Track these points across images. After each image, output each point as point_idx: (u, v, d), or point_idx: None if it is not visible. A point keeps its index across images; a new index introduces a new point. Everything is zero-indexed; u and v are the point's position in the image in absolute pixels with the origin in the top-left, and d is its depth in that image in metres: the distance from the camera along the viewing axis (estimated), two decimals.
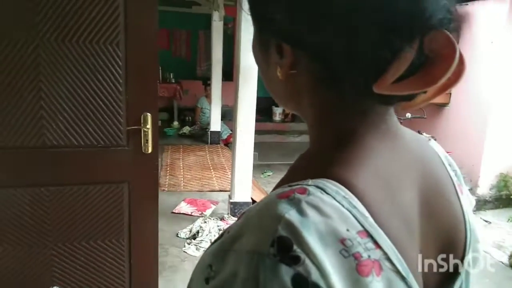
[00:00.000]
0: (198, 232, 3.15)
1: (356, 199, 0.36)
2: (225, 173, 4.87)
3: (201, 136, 6.84)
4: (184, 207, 3.75)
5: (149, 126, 1.93)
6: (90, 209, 1.95)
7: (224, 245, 0.37)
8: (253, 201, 3.55)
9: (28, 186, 1.86)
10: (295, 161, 0.46)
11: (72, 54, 1.78)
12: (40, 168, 1.86)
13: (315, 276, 0.31)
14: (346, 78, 0.39)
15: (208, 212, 3.66)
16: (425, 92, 0.38)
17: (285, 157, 7.01)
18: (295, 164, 0.45)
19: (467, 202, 0.49)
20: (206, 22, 8.49)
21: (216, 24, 5.93)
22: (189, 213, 3.64)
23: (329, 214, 0.34)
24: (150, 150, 1.96)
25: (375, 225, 0.35)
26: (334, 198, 0.35)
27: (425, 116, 5.47)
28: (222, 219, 3.37)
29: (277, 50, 0.43)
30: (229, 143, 6.74)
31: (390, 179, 0.40)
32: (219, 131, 6.44)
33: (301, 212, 0.33)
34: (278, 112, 8.85)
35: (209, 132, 6.43)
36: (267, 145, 7.37)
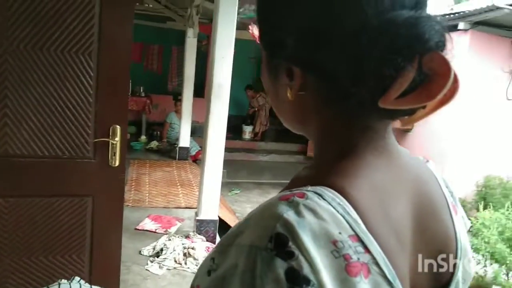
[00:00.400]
0: (162, 249, 3.07)
1: (350, 207, 0.39)
2: (193, 189, 4.81)
3: (169, 152, 6.74)
4: (148, 224, 3.66)
5: (117, 138, 1.90)
6: (51, 223, 1.87)
7: (227, 240, 0.41)
8: (220, 219, 3.51)
9: None
10: (300, 171, 0.51)
11: (41, 62, 1.74)
12: (0, 177, 1.78)
13: (306, 270, 0.34)
14: (352, 96, 0.42)
15: (173, 229, 3.59)
16: (424, 107, 0.41)
17: (253, 176, 7.02)
18: (299, 174, 0.50)
19: (461, 222, 0.52)
20: (179, 38, 8.50)
21: (190, 41, 5.95)
22: (153, 230, 3.55)
23: (324, 217, 0.37)
24: (117, 163, 1.92)
25: (366, 231, 0.38)
26: (330, 204, 0.38)
27: None
28: (187, 237, 3.31)
29: (287, 73, 0.46)
30: (197, 160, 6.68)
31: (384, 191, 0.43)
32: (188, 147, 6.37)
33: (298, 213, 0.37)
34: (247, 131, 8.90)
35: (177, 148, 6.35)
36: (236, 163, 7.36)
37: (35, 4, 1.69)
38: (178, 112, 6.79)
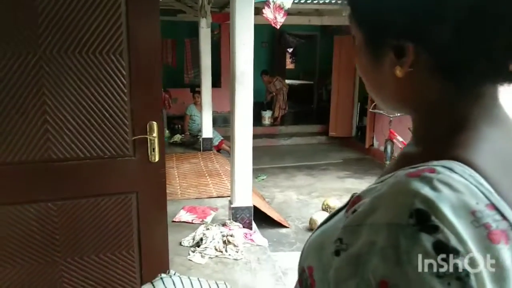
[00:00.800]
0: (201, 239, 3.12)
1: (480, 177, 0.39)
2: (221, 179, 4.86)
3: (192, 144, 6.80)
4: (184, 215, 3.72)
5: (155, 134, 1.92)
6: (98, 222, 1.92)
7: (356, 221, 0.42)
8: (254, 207, 3.54)
9: (34, 202, 1.82)
10: (403, 150, 0.52)
11: (75, 66, 1.76)
12: (46, 182, 1.83)
13: (454, 242, 0.35)
14: (474, 66, 0.43)
15: (208, 219, 3.64)
16: None
17: (277, 160, 7.03)
18: (406, 152, 0.51)
19: None
20: (191, 30, 8.49)
21: (204, 31, 5.93)
22: (190, 221, 3.61)
23: (460, 189, 0.38)
24: (157, 159, 1.95)
25: (500, 199, 0.39)
26: (462, 176, 0.39)
27: None
28: (224, 225, 3.36)
29: (395, 51, 0.46)
30: (221, 149, 6.72)
31: (506, 159, 0.44)
32: (211, 138, 6.41)
33: (434, 188, 0.38)
34: (267, 116, 8.89)
35: (201, 139, 6.40)
36: (258, 149, 7.35)
37: (62, 9, 1.70)
38: (197, 103, 6.82)
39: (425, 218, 0.36)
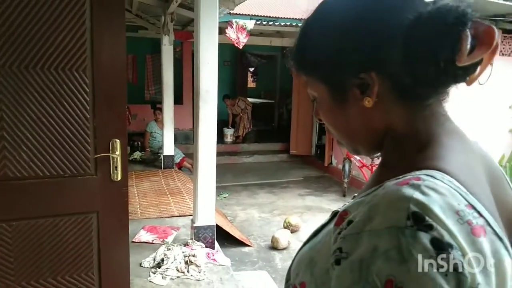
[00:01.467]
0: (162, 260, 3.05)
1: (456, 182, 0.46)
2: (183, 197, 4.79)
3: (153, 161, 6.67)
4: (144, 236, 3.63)
5: (118, 152, 1.89)
6: (57, 243, 1.84)
7: (355, 229, 0.46)
8: (217, 225, 3.52)
9: None
10: (378, 168, 0.59)
11: (35, 81, 1.71)
12: (1, 202, 1.74)
13: (447, 237, 0.41)
14: (426, 72, 0.50)
15: (170, 238, 3.57)
16: (479, 63, 0.50)
17: (239, 178, 7.04)
18: (381, 171, 0.57)
19: None
20: (152, 46, 8.44)
21: (166, 48, 5.91)
22: (150, 241, 3.52)
23: (444, 193, 0.44)
24: (119, 177, 1.91)
25: (476, 200, 0.45)
26: (443, 181, 0.45)
27: None
28: (186, 244, 3.30)
29: (359, 86, 0.54)
30: (182, 167, 6.64)
31: (472, 167, 0.51)
32: (172, 155, 6.33)
33: (423, 193, 0.43)
34: (229, 134, 8.91)
35: (162, 157, 6.30)
36: (220, 166, 7.31)
37: (24, 23, 1.66)
38: (158, 120, 6.73)
39: (420, 219, 0.41)
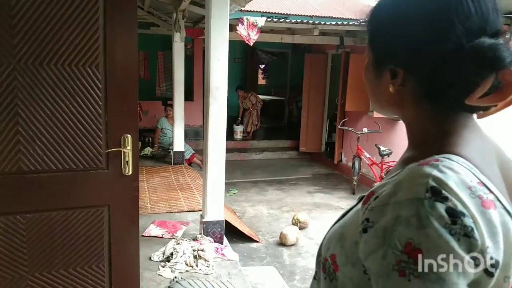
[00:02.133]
0: (172, 254, 3.10)
1: (470, 164, 0.54)
2: (193, 193, 4.84)
3: (163, 157, 6.74)
4: (154, 230, 3.68)
5: (129, 147, 1.92)
6: (69, 235, 1.89)
7: (381, 202, 0.53)
8: (225, 221, 3.55)
9: (1, 215, 1.78)
10: (404, 154, 0.66)
11: (50, 77, 1.75)
12: (15, 194, 1.79)
13: (460, 207, 0.48)
14: (444, 95, 0.58)
15: (179, 233, 3.61)
16: (495, 106, 0.57)
17: (249, 175, 7.07)
18: (407, 156, 0.64)
19: None
20: (164, 43, 8.49)
21: (178, 45, 5.95)
22: (160, 236, 3.57)
23: (459, 171, 0.52)
24: (130, 172, 1.95)
25: (486, 179, 0.54)
26: (458, 163, 0.53)
27: (381, 131, 5.78)
28: (195, 239, 3.34)
29: (391, 72, 0.62)
30: (192, 163, 6.69)
31: (485, 155, 0.59)
32: (182, 151, 6.38)
33: (441, 171, 0.51)
34: (239, 131, 8.94)
35: (172, 153, 6.36)
36: (230, 163, 7.36)
37: (40, 20, 1.70)
38: (169, 117, 6.78)
39: (438, 192, 0.49)
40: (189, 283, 1.32)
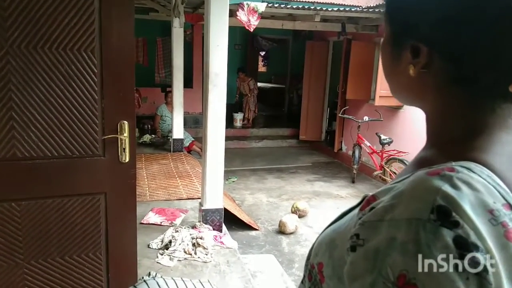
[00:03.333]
0: (170, 241, 3.08)
1: (497, 178, 0.42)
2: (192, 180, 4.82)
3: (162, 144, 6.71)
4: (152, 217, 3.66)
5: (126, 134, 1.88)
6: (65, 223, 1.86)
7: (375, 217, 0.43)
8: (224, 209, 3.53)
9: None
10: (421, 152, 0.54)
11: (44, 61, 1.70)
12: (10, 181, 1.76)
13: (473, 237, 0.37)
14: (482, 80, 0.46)
15: (178, 221, 3.60)
16: None
17: (248, 163, 7.05)
18: (422, 155, 0.53)
19: None
20: (163, 29, 8.38)
21: (177, 31, 5.86)
22: (159, 223, 3.56)
23: (478, 188, 0.40)
24: (127, 159, 1.91)
25: None
26: (480, 176, 0.41)
27: (382, 119, 5.73)
28: (194, 227, 3.33)
29: (412, 51, 0.50)
30: (191, 150, 6.66)
31: None
32: (182, 139, 6.35)
33: (454, 186, 0.39)
34: (238, 118, 8.89)
35: (171, 140, 6.32)
36: (229, 151, 7.34)
37: (32, 3, 1.65)
38: (168, 104, 6.73)
39: (446, 214, 0.38)
40: (157, 283, 1.21)
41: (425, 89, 0.52)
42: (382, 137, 5.50)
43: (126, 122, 1.87)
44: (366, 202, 0.48)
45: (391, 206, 0.42)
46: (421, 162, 0.50)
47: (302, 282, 0.63)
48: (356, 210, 0.50)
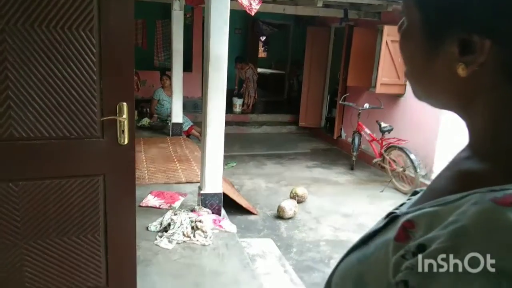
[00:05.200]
0: (169, 224, 3.09)
1: None
2: (191, 165, 4.81)
3: (161, 128, 6.68)
4: (151, 200, 3.67)
5: (125, 116, 1.86)
6: (63, 204, 1.85)
7: (430, 261, 0.33)
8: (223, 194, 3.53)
9: None
10: (462, 162, 0.43)
11: (41, 40, 1.67)
12: (7, 162, 1.74)
13: None
14: None
15: (177, 204, 3.60)
16: None
17: (247, 149, 7.03)
18: (470, 168, 0.41)
19: None
20: (163, 11, 8.26)
21: (177, 14, 5.78)
22: (157, 206, 3.56)
23: None
24: (126, 141, 1.89)
25: None
26: None
27: (382, 107, 5.71)
28: (193, 210, 3.33)
29: (462, 45, 0.38)
30: (190, 135, 6.64)
31: None
32: (181, 123, 6.32)
33: None
34: (238, 104, 8.84)
35: (170, 124, 6.29)
36: (228, 136, 7.31)
37: None
38: (165, 87, 6.68)
39: None
40: None
41: (476, 91, 0.40)
42: (382, 124, 5.48)
43: (125, 104, 1.85)
44: (403, 230, 0.38)
45: (453, 248, 0.32)
46: (470, 177, 0.39)
47: None
48: (387, 237, 0.41)
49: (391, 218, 0.43)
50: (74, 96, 1.77)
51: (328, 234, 3.90)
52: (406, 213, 0.41)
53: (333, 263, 3.42)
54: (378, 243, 0.43)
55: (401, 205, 0.49)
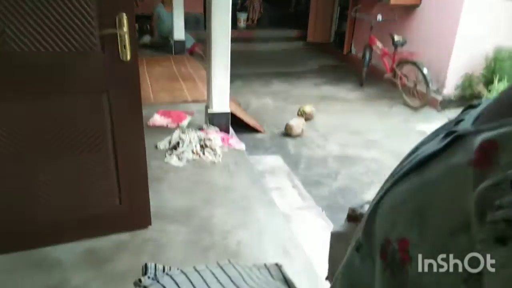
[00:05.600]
0: (178, 143, 3.09)
1: None
2: (195, 83, 4.70)
3: (162, 46, 6.44)
4: (158, 120, 3.64)
5: (125, 29, 1.74)
6: (68, 121, 1.81)
7: None
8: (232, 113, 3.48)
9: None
10: None
11: None
12: (6, 78, 1.66)
13: None
14: None
15: (184, 123, 3.58)
16: None
17: (253, 67, 6.83)
18: None
19: None
20: None
21: None
22: (165, 125, 3.54)
23: None
24: (128, 57, 1.79)
25: None
26: None
27: (396, 20, 5.39)
28: (201, 129, 3.31)
29: None
30: (194, 52, 6.42)
31: None
32: (183, 40, 6.07)
33: None
34: (242, 19, 8.42)
35: (172, 42, 6.05)
36: (233, 54, 7.08)
37: None
38: (165, 2, 6.30)
39: None
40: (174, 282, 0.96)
41: None
42: (396, 38, 5.21)
43: (124, 15, 1.71)
44: (483, 153, 0.31)
45: None
46: None
47: (357, 250, 0.46)
48: (454, 161, 0.35)
49: (454, 137, 0.36)
50: (69, 6, 1.63)
51: (336, 151, 3.91)
52: (476, 131, 0.33)
53: (341, 178, 3.48)
54: (440, 169, 0.36)
55: (456, 122, 0.40)
